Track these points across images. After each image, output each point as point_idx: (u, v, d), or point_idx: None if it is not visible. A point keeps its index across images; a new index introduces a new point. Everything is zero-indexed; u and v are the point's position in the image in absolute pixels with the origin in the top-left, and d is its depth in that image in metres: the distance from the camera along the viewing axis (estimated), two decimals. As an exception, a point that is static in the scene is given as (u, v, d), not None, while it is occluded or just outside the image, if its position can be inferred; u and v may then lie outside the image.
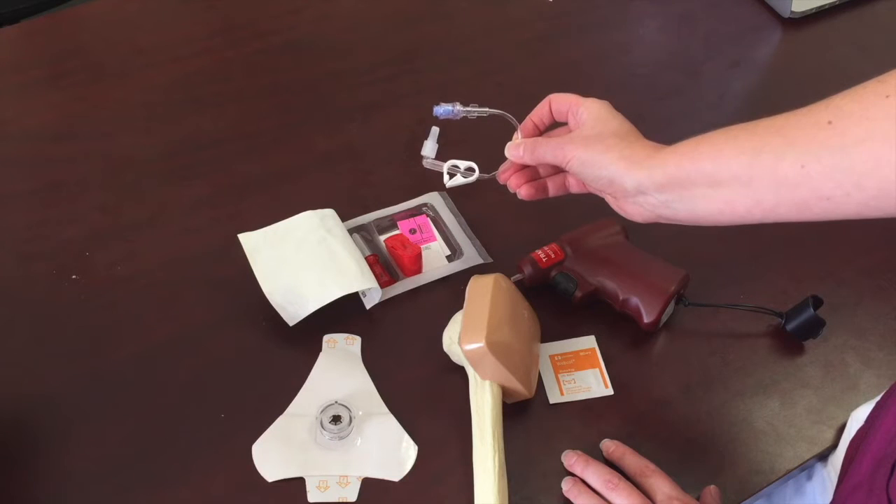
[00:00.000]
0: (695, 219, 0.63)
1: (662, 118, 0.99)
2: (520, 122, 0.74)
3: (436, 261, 0.81)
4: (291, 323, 0.74)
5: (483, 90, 1.01)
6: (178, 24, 1.07)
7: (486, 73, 1.03)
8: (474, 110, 0.75)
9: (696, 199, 0.61)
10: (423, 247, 0.81)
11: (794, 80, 1.05)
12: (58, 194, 0.86)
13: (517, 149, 0.71)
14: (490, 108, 0.75)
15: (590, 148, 0.65)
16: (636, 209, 0.66)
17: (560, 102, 0.71)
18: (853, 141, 0.51)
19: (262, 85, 1.00)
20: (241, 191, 0.87)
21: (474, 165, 0.76)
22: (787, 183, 0.54)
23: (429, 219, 0.84)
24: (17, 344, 0.74)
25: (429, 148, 0.76)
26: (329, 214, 0.81)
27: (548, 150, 0.69)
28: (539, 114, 0.73)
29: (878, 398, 0.69)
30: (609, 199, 0.69)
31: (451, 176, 0.76)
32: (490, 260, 0.81)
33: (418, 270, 0.80)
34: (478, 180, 0.75)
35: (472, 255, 0.82)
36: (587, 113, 0.68)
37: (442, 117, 0.75)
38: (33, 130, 0.93)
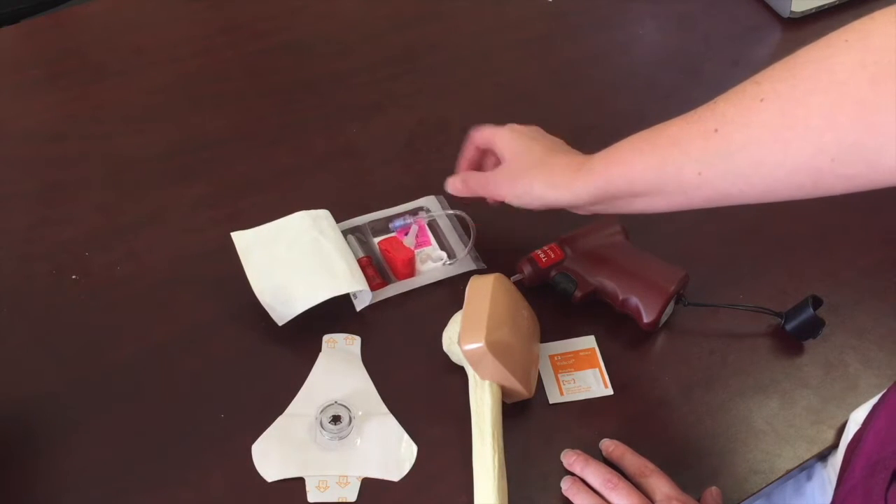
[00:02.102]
0: (627, 214, 0.69)
1: (662, 118, 0.98)
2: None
3: (429, 264, 0.81)
4: (280, 323, 0.74)
5: (483, 90, 1.01)
6: (177, 24, 1.07)
7: (486, 73, 1.03)
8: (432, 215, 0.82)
9: (622, 206, 0.67)
10: (417, 251, 0.81)
11: (793, 80, 1.05)
12: (58, 194, 0.86)
13: (455, 183, 0.77)
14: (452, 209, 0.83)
15: (516, 185, 0.71)
16: (578, 211, 0.72)
17: (480, 139, 0.77)
18: (737, 147, 0.56)
19: (262, 85, 1.00)
20: (240, 191, 0.87)
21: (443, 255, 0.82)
22: (691, 187, 0.60)
23: (424, 222, 0.84)
24: (16, 344, 0.74)
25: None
26: (323, 215, 0.81)
27: (479, 186, 0.75)
28: (469, 155, 0.79)
29: (875, 399, 0.69)
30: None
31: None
32: (483, 266, 0.81)
33: (411, 274, 0.80)
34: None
35: (465, 261, 0.82)
36: (503, 148, 0.73)
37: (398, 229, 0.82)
38: (33, 130, 0.93)
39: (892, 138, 0.49)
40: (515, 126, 0.75)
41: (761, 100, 0.55)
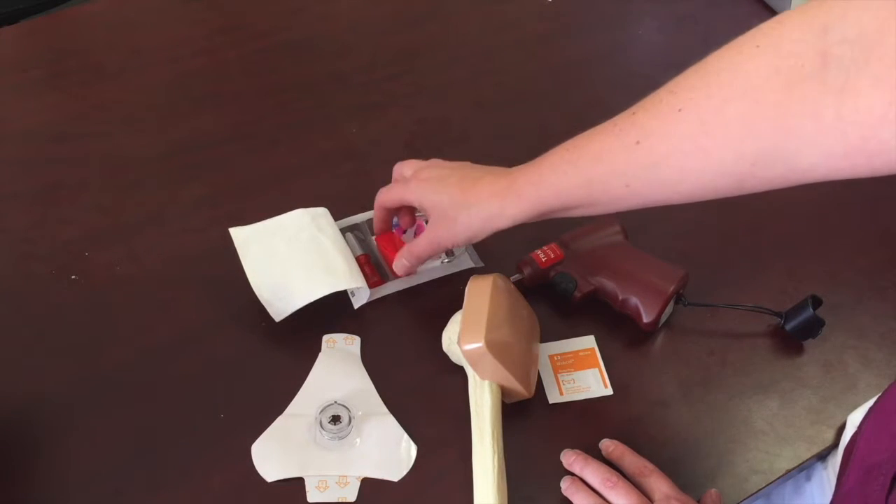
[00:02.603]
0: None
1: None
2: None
3: (428, 263, 0.81)
4: (278, 319, 0.74)
5: (483, 90, 1.01)
6: (177, 24, 1.07)
7: (486, 73, 1.03)
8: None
9: (562, 216, 0.67)
10: None
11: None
12: (58, 194, 0.86)
13: (400, 265, 0.77)
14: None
15: (456, 232, 0.70)
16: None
17: (388, 201, 0.76)
18: (659, 158, 0.57)
19: (262, 85, 1.00)
20: (240, 191, 0.87)
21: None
22: (623, 198, 0.61)
23: (423, 221, 0.84)
24: (16, 344, 0.74)
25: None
26: (321, 213, 0.81)
27: (426, 250, 0.74)
28: (382, 217, 0.79)
29: (872, 401, 0.69)
30: None
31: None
32: (482, 264, 0.81)
33: (409, 273, 0.80)
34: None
35: (464, 259, 0.82)
36: (422, 201, 0.72)
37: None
38: (33, 130, 0.93)
39: (807, 140, 0.50)
40: (417, 172, 0.73)
41: (679, 110, 0.55)
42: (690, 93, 0.55)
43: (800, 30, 0.50)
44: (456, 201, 0.69)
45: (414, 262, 0.76)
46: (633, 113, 0.59)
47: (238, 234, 0.78)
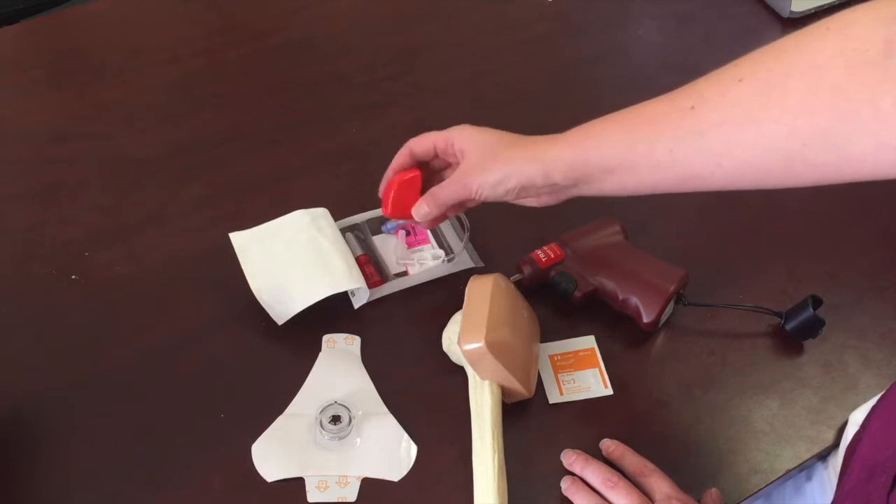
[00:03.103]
0: (597, 195, 0.67)
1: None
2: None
3: (428, 262, 0.81)
4: (280, 322, 0.74)
5: (483, 90, 1.01)
6: (177, 24, 1.07)
7: (486, 73, 1.03)
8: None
9: (595, 184, 0.65)
10: (415, 248, 0.81)
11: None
12: (58, 194, 0.86)
13: (421, 208, 0.72)
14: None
15: (490, 171, 0.67)
16: (546, 199, 0.69)
17: (423, 145, 0.73)
18: (711, 125, 0.56)
19: (262, 85, 1.00)
20: (240, 191, 0.87)
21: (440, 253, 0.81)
22: (662, 166, 0.60)
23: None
24: (16, 344, 0.74)
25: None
26: (321, 213, 0.81)
27: (451, 193, 0.70)
28: (400, 164, 0.75)
29: (874, 400, 0.69)
30: (513, 201, 0.70)
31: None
32: (482, 264, 0.81)
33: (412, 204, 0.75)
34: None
35: (464, 259, 0.82)
36: (463, 142, 0.70)
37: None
38: (33, 130, 0.93)
39: (862, 126, 0.50)
40: (464, 126, 0.72)
41: (739, 80, 0.55)
42: (754, 65, 0.55)
43: (871, 17, 0.50)
44: (495, 145, 0.68)
45: (434, 210, 0.72)
46: (696, 83, 0.59)
47: (237, 238, 0.78)
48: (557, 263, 0.78)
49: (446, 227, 0.84)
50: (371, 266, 0.80)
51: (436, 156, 0.74)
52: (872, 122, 0.49)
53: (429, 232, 0.84)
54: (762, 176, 0.57)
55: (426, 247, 0.83)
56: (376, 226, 0.84)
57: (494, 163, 0.67)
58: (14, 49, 1.05)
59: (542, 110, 0.99)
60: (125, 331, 0.75)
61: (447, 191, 0.70)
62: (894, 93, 0.48)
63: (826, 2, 1.12)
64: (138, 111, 0.95)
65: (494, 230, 0.84)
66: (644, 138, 0.60)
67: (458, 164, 0.72)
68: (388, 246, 0.82)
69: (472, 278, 0.73)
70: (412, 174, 0.74)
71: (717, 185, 0.59)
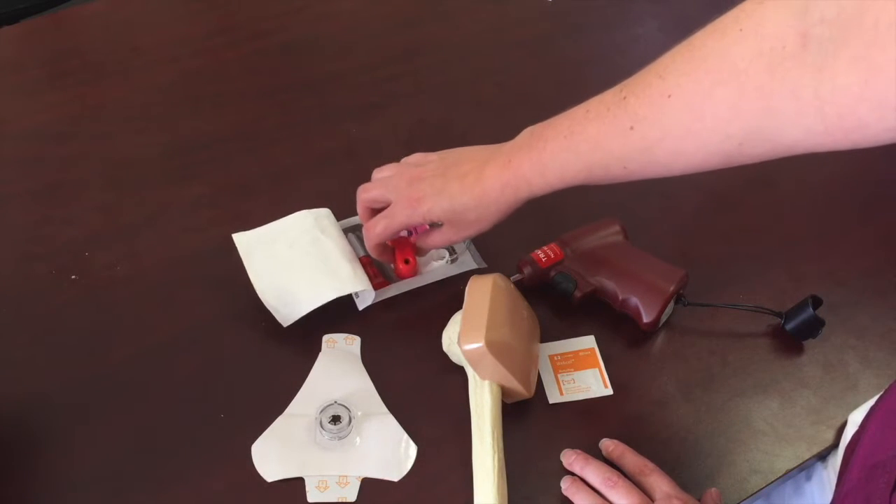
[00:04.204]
0: None
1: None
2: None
3: (433, 264, 0.81)
4: (285, 324, 0.74)
5: (483, 90, 1.01)
6: (177, 24, 1.07)
7: (486, 72, 1.03)
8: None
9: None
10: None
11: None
12: (58, 194, 0.86)
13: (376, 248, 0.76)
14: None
15: (477, 228, 0.72)
16: None
17: (390, 235, 0.75)
18: (653, 142, 0.60)
19: (262, 85, 1.00)
20: (240, 191, 0.87)
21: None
22: (622, 176, 0.64)
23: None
24: (16, 344, 0.74)
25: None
26: (324, 214, 0.81)
27: (439, 245, 0.76)
28: (377, 248, 0.77)
29: (874, 400, 0.69)
30: None
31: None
32: (485, 265, 0.81)
33: (413, 274, 0.80)
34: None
35: (467, 260, 0.82)
36: (430, 220, 0.72)
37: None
38: (33, 130, 0.93)
39: (789, 120, 0.52)
40: (405, 187, 0.73)
41: (668, 96, 0.57)
42: (679, 78, 0.57)
43: (781, 10, 0.51)
44: (467, 204, 0.70)
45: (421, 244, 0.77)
46: (624, 97, 0.61)
47: (241, 239, 0.78)
48: (557, 263, 0.78)
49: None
50: (373, 267, 0.80)
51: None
52: (797, 114, 0.51)
53: None
54: (710, 168, 0.60)
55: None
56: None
57: (475, 223, 0.72)
58: (14, 49, 1.05)
59: (543, 110, 0.98)
60: (125, 331, 0.75)
61: (436, 244, 0.76)
62: (813, 84, 0.49)
63: None
64: (138, 111, 0.95)
65: (494, 230, 0.84)
66: (597, 163, 0.64)
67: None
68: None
69: (471, 278, 0.73)
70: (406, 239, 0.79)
71: (674, 176, 0.63)
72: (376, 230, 0.74)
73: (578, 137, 0.64)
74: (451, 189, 0.70)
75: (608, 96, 0.63)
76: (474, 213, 0.71)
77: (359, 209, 0.77)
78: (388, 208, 0.74)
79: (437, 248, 0.77)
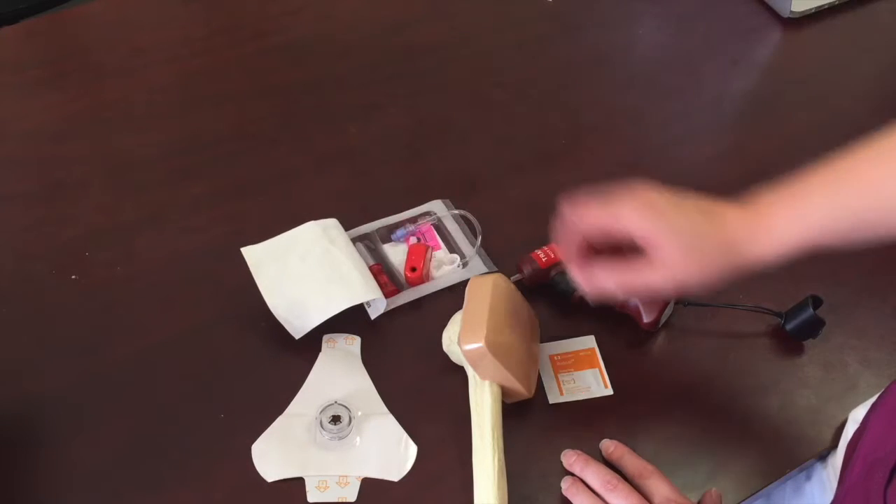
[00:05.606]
0: None
1: (662, 118, 0.99)
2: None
3: (444, 269, 0.81)
4: (297, 336, 0.74)
5: (483, 90, 1.01)
6: (177, 24, 1.07)
7: (486, 73, 1.03)
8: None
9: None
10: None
11: (793, 80, 1.05)
12: (58, 194, 0.86)
13: (601, 292, 0.63)
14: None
15: (705, 270, 0.60)
16: None
17: (591, 224, 0.62)
18: None
19: (262, 85, 1.00)
20: (240, 191, 0.87)
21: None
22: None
23: (432, 227, 0.84)
24: (16, 344, 0.74)
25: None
26: (332, 224, 0.80)
27: (649, 292, 0.62)
28: (575, 242, 0.64)
29: (875, 398, 0.69)
30: None
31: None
32: (495, 269, 0.81)
33: (420, 282, 0.80)
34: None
35: (477, 264, 0.81)
36: (645, 232, 0.60)
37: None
38: (33, 130, 0.93)
39: None
40: (636, 194, 0.61)
41: None
42: None
43: None
44: (704, 231, 0.59)
45: (621, 294, 0.64)
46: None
47: (251, 253, 0.78)
48: (557, 263, 0.78)
49: (456, 232, 0.84)
50: (384, 275, 0.80)
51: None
52: None
53: (439, 238, 0.83)
54: None
55: (437, 252, 0.82)
56: (385, 234, 0.83)
57: (706, 261, 0.60)
58: (14, 49, 1.05)
59: (543, 110, 0.99)
60: (125, 331, 0.75)
61: (647, 287, 0.61)
62: None
63: (826, 1, 1.12)
64: (138, 111, 0.95)
65: (495, 230, 0.84)
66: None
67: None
68: (399, 254, 0.82)
69: (472, 278, 0.73)
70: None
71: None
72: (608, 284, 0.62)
73: (845, 185, 0.60)
74: (686, 206, 0.61)
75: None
76: (705, 244, 0.60)
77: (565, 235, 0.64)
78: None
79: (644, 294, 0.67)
